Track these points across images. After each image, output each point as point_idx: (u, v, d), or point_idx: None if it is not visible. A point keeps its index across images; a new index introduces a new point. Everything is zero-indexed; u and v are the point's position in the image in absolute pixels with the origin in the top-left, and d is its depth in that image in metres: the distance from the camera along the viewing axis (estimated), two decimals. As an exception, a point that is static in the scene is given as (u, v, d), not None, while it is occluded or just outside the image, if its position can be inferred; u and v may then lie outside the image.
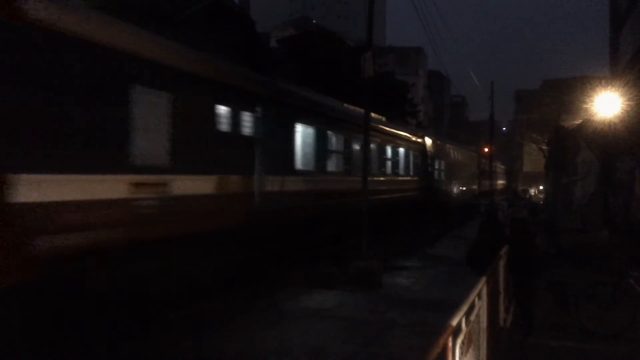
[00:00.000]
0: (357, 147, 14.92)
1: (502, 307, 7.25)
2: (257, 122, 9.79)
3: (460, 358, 3.18)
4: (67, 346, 5.83)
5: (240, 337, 7.21)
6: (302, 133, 11.95)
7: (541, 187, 56.20)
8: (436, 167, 24.99)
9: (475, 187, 39.43)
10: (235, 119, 9.24)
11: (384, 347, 6.93)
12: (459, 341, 3.20)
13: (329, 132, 13.53)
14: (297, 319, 8.17)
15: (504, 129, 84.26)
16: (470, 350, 3.65)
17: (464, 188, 33.92)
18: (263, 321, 7.90)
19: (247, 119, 9.57)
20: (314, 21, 60.57)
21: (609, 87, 18.87)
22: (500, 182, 66.59)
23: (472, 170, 38.05)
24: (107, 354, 6.26)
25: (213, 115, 8.66)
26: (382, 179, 17.47)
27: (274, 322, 7.92)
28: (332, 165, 13.75)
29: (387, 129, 18.75)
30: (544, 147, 40.04)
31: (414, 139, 22.20)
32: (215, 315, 8.15)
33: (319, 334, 7.43)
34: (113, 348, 6.38)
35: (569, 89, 32.91)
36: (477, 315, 4.28)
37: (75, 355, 5.86)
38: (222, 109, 8.88)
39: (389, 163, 18.63)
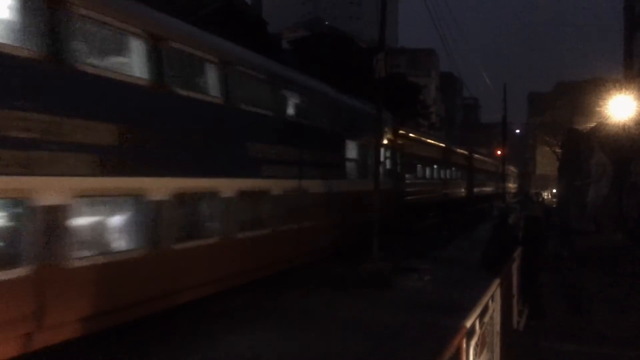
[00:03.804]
0: None
1: (515, 310, 7.20)
2: None
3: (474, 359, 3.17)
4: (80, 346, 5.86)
5: (249, 338, 7.19)
6: None
7: (554, 190, 55.75)
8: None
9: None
10: None
11: (395, 349, 6.91)
12: (472, 342, 3.19)
13: None
14: (305, 320, 8.14)
15: (517, 131, 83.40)
16: (484, 352, 3.63)
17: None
18: (271, 322, 7.89)
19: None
20: (326, 22, 60.52)
21: (624, 89, 18.68)
22: (513, 185, 66.09)
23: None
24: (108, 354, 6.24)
25: None
26: None
27: (282, 323, 7.91)
28: None
29: None
30: (558, 150, 39.71)
31: None
32: (223, 317, 8.09)
33: (328, 335, 7.41)
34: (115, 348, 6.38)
35: (582, 91, 32.61)
36: (491, 317, 4.25)
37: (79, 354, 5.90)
38: None
39: None
